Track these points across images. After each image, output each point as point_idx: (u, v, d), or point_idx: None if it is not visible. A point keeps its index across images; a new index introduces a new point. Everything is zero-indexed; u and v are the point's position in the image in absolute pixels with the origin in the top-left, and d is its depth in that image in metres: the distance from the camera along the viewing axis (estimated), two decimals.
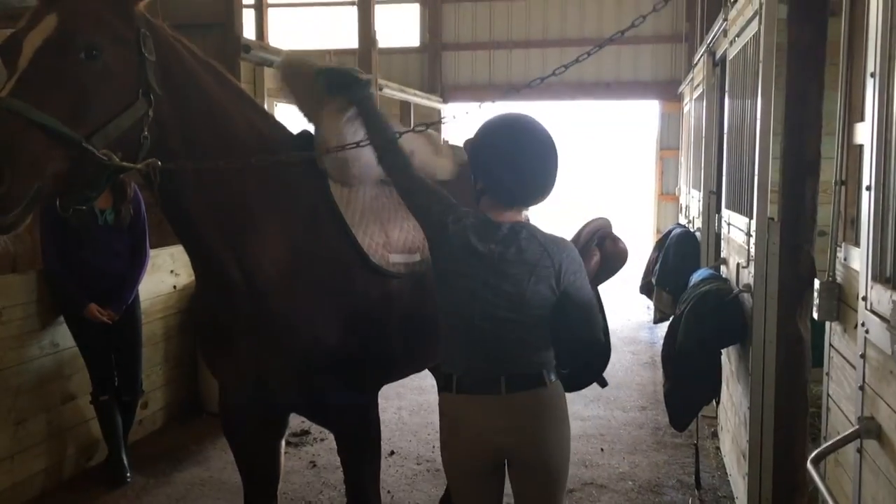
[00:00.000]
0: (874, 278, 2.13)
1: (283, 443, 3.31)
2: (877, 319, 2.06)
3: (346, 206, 3.03)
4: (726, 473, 5.07)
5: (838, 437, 2.17)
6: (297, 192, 2.93)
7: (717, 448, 5.58)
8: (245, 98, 2.86)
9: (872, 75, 2.16)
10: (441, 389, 2.73)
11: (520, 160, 2.58)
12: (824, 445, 2.18)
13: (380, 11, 11.86)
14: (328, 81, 2.94)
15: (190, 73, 2.59)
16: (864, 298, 2.18)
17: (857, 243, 2.43)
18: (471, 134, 2.78)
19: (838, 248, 2.61)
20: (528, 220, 3.17)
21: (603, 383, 2.97)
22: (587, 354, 2.82)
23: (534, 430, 2.60)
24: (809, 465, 2.06)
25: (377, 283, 3.05)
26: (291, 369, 2.87)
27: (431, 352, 3.47)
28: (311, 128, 3.14)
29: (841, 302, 2.54)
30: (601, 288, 3.04)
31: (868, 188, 2.18)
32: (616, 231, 3.09)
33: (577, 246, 2.81)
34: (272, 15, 14.32)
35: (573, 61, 2.69)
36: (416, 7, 14.44)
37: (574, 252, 2.69)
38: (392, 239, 3.15)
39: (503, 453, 2.64)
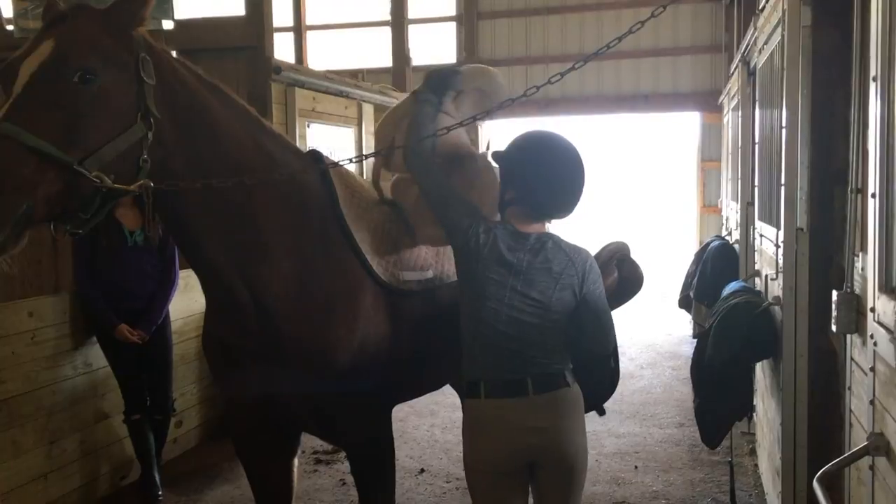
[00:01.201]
0: (881, 288, 2.05)
1: (296, 461, 3.30)
2: (883, 331, 1.98)
3: (357, 224, 3.03)
4: (763, 491, 4.93)
5: (845, 455, 2.09)
6: (307, 211, 2.93)
7: (756, 465, 5.43)
8: (253, 120, 2.86)
9: (874, 79, 2.09)
10: (466, 396, 2.81)
11: (553, 174, 2.75)
12: (831, 464, 2.10)
13: (416, 30, 11.96)
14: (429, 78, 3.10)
15: (192, 95, 2.61)
16: (872, 310, 2.10)
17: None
18: (500, 147, 2.92)
19: (855, 258, 2.52)
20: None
21: (601, 411, 3.08)
22: (597, 364, 2.92)
23: (561, 429, 2.71)
24: (815, 484, 1.98)
25: (388, 301, 3.03)
26: (301, 390, 2.86)
27: (446, 370, 3.45)
28: (322, 148, 3.16)
29: (859, 314, 2.45)
30: (615, 312, 3.05)
31: (873, 195, 2.10)
32: (634, 256, 3.11)
33: (599, 266, 2.92)
34: (310, 37, 14.52)
35: (569, 68, 2.71)
36: (453, 25, 14.49)
37: (594, 261, 2.84)
38: (404, 257, 3.13)
39: (532, 453, 2.71)
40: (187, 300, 5.82)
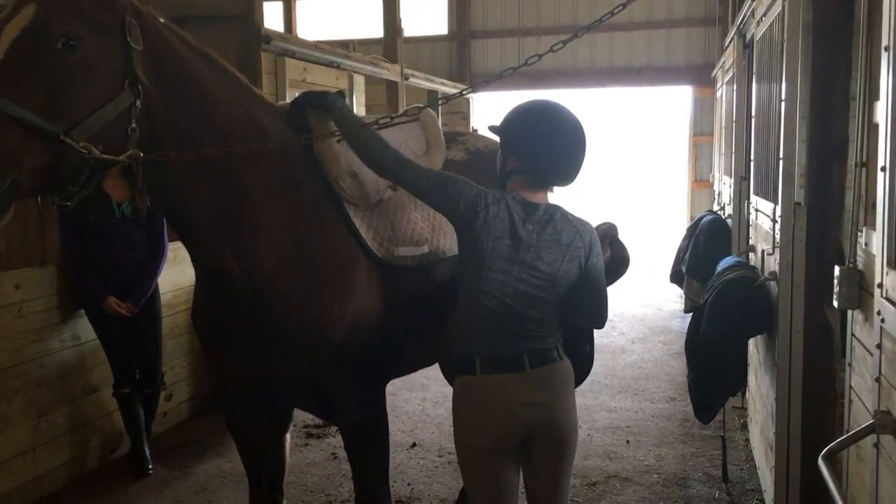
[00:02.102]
0: (889, 264, 2.01)
1: (288, 437, 3.26)
2: (891, 307, 1.94)
3: (349, 196, 2.96)
4: (755, 466, 4.95)
5: (851, 433, 2.06)
6: (300, 184, 2.86)
7: (747, 440, 5.44)
8: (242, 86, 2.78)
9: (886, 49, 2.04)
10: (458, 373, 2.77)
11: (557, 138, 2.71)
12: (837, 441, 2.07)
13: (407, 1, 11.79)
14: (306, 103, 2.93)
15: (181, 61, 2.52)
16: (881, 286, 2.07)
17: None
18: (496, 119, 2.88)
19: (859, 233, 2.48)
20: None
21: None
22: (578, 343, 2.93)
23: (557, 403, 2.71)
24: (821, 462, 1.96)
25: (382, 276, 2.98)
26: (293, 365, 2.81)
27: (440, 345, 3.42)
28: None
29: (862, 289, 2.42)
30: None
31: (883, 169, 2.06)
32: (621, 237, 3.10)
33: None
34: (299, 6, 14.32)
35: (572, 36, 2.66)
36: None
37: (596, 234, 2.83)
38: (398, 231, 3.07)
39: (527, 428, 2.70)
40: (177, 273, 5.75)
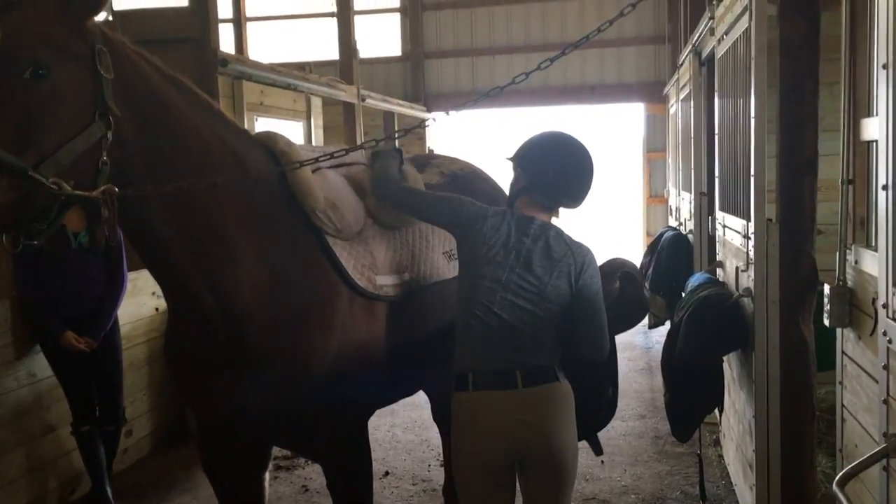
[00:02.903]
0: (895, 283, 1.99)
1: (267, 475, 3.13)
2: None
3: (329, 227, 2.87)
4: (731, 483, 4.93)
5: (866, 457, 2.02)
6: (277, 213, 2.76)
7: (720, 456, 5.44)
8: (217, 115, 2.68)
9: (885, 66, 2.03)
10: (454, 391, 2.77)
11: (565, 160, 2.84)
12: (851, 466, 2.03)
13: (360, 22, 11.75)
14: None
15: (154, 91, 2.41)
16: (885, 306, 2.04)
17: (869, 245, 2.29)
18: (510, 149, 3.02)
19: (848, 251, 2.47)
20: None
21: (596, 447, 3.24)
22: (593, 380, 2.94)
23: (550, 424, 2.68)
24: (836, 488, 1.91)
25: (364, 307, 2.89)
26: (273, 401, 2.69)
27: (422, 375, 3.34)
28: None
29: (854, 307, 2.40)
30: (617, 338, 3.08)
31: (885, 188, 2.04)
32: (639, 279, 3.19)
33: (601, 272, 2.95)
34: (251, 28, 14.19)
35: (535, 68, 2.82)
36: (398, 16, 14.32)
37: (594, 258, 2.87)
38: (378, 260, 2.98)
39: (520, 448, 2.68)
40: (135, 304, 5.58)
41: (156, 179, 2.36)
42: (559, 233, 2.83)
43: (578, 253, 2.80)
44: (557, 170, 2.80)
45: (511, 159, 2.98)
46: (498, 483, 2.71)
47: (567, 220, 3.02)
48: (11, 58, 2.05)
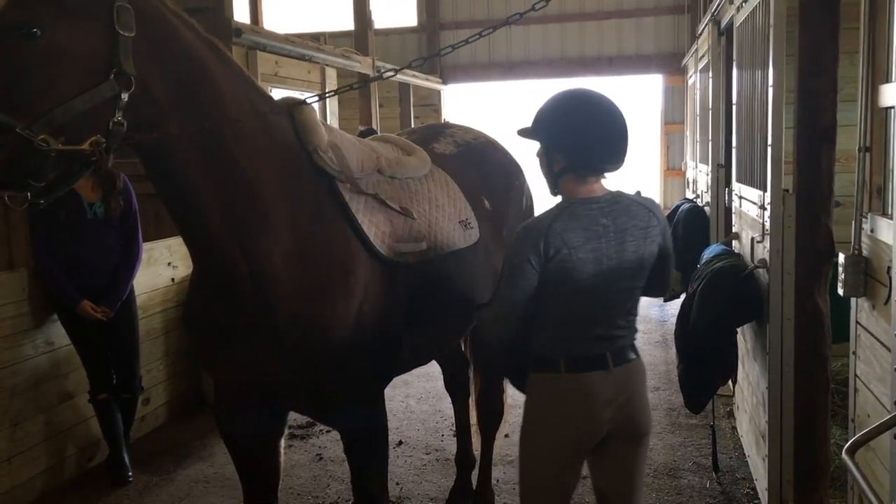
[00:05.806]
0: None
1: (283, 441, 3.16)
2: None
3: (350, 194, 2.86)
4: (744, 454, 4.93)
5: (876, 425, 2.01)
6: (303, 179, 2.75)
7: (734, 428, 5.43)
8: (247, 79, 2.66)
9: None
10: (536, 371, 2.66)
11: (604, 124, 2.53)
12: (860, 434, 2.02)
13: None
14: None
15: (188, 51, 2.38)
16: None
17: (885, 214, 2.25)
18: (525, 120, 2.69)
19: (864, 220, 2.44)
20: None
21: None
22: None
23: (637, 400, 2.66)
24: (845, 456, 1.91)
25: (384, 274, 2.88)
26: (296, 368, 2.69)
27: (438, 343, 3.34)
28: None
29: (869, 276, 2.37)
30: None
31: None
32: None
33: None
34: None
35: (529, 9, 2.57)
36: None
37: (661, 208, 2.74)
38: (397, 227, 2.97)
39: (608, 427, 2.63)
40: (152, 274, 5.62)
41: (190, 142, 2.36)
42: (627, 197, 2.62)
43: (655, 208, 2.66)
44: (601, 138, 2.51)
45: (531, 135, 2.65)
46: (576, 463, 2.68)
47: None
48: (3, 17, 2.05)
